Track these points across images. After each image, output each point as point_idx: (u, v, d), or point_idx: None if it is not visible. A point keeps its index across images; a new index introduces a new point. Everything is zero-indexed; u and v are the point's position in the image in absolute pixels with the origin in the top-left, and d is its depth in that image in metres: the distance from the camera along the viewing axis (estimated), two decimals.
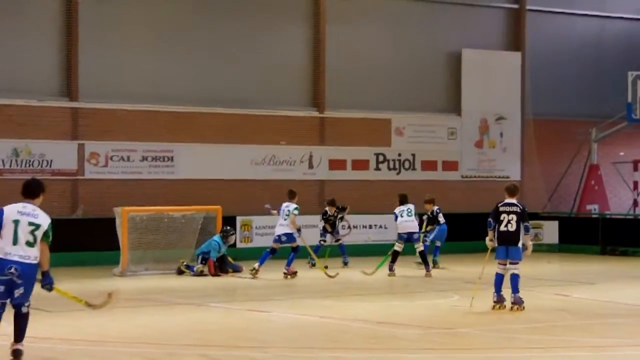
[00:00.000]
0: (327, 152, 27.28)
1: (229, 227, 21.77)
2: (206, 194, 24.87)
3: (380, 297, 17.75)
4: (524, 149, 29.88)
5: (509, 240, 15.16)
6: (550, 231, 28.13)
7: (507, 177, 29.41)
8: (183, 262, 21.30)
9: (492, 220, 15.27)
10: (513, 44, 29.99)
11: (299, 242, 20.66)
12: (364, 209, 26.69)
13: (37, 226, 10.57)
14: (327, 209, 23.43)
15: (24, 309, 10.60)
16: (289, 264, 20.44)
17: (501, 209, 15.27)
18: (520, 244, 15.28)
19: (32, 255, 10.54)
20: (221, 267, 21.05)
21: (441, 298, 17.36)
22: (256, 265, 20.33)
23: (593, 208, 29.29)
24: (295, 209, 20.39)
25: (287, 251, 20.60)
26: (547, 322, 14.60)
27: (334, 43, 27.33)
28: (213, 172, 25.72)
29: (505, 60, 29.70)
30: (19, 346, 10.63)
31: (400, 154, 28.30)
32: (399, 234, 20.96)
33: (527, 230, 15.36)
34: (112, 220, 21.49)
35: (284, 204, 20.60)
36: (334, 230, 23.42)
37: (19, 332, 10.64)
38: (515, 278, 15.27)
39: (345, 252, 23.16)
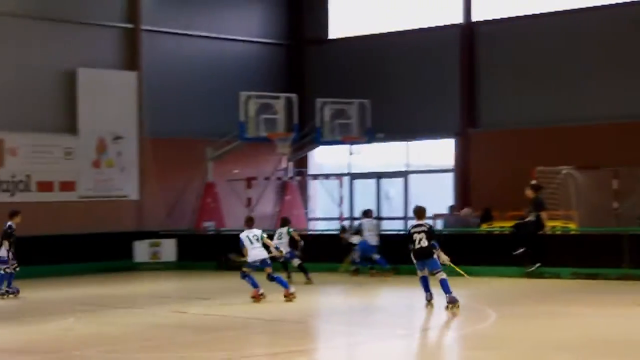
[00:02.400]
0: None
1: None
2: None
3: None
4: (142, 168, 29.99)
5: (424, 255, 17.21)
6: (168, 249, 28.43)
7: (126, 197, 29.46)
8: None
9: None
10: (129, 63, 30.03)
11: None
12: None
13: None
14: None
15: None
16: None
17: (413, 231, 17.35)
18: (435, 257, 17.23)
19: None
20: None
21: (53, 322, 16.95)
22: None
23: (210, 225, 29.95)
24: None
25: None
26: (163, 339, 14.73)
27: None
28: None
29: (122, 79, 29.68)
30: None
31: (14, 175, 27.39)
32: None
33: (434, 247, 17.28)
34: None
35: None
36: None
37: None
38: (443, 282, 16.99)
39: None
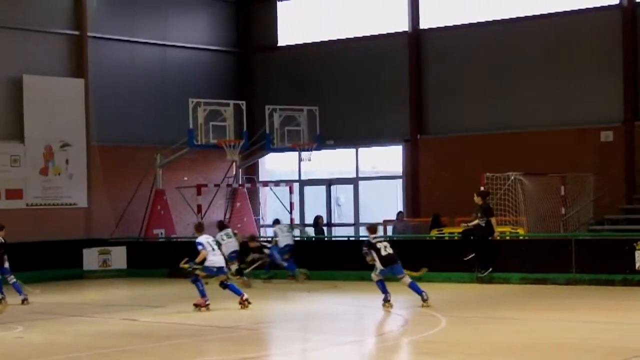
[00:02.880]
0: None
1: None
2: None
3: None
4: (90, 176, 29.77)
5: (393, 261, 18.35)
6: (118, 256, 28.25)
7: (75, 204, 29.27)
8: None
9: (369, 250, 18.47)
10: (76, 70, 29.82)
11: None
12: None
13: None
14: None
15: None
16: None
17: (374, 241, 18.50)
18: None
19: None
20: None
21: (4, 330, 16.78)
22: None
23: (160, 232, 29.79)
24: None
25: None
26: (114, 347, 14.65)
27: None
28: None
29: (69, 86, 29.45)
30: None
31: None
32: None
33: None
34: None
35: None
36: None
37: None
38: (413, 284, 18.42)
39: None
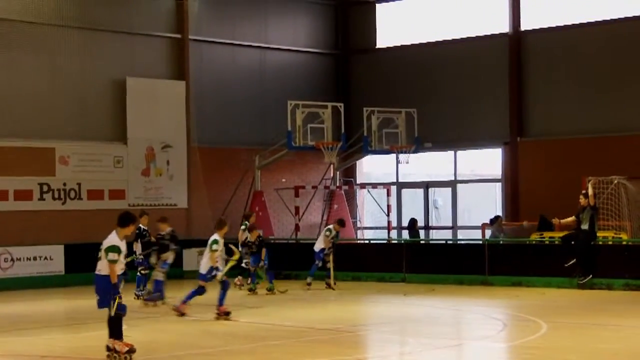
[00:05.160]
0: None
1: None
2: None
3: (42, 331, 17.21)
4: (190, 177, 30.17)
5: None
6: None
7: (175, 205, 29.65)
8: None
9: None
10: (177, 72, 30.24)
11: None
12: (28, 240, 25.95)
13: (100, 248, 13.65)
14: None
15: (110, 312, 13.45)
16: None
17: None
18: None
19: (99, 267, 13.64)
20: None
21: (106, 329, 17.04)
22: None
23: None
24: (214, 242, 18.33)
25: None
26: (213, 347, 14.80)
27: None
28: None
29: (170, 88, 29.90)
30: (108, 342, 13.57)
31: (65, 184, 27.69)
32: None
33: None
34: None
35: None
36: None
37: (109, 330, 13.59)
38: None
39: None
